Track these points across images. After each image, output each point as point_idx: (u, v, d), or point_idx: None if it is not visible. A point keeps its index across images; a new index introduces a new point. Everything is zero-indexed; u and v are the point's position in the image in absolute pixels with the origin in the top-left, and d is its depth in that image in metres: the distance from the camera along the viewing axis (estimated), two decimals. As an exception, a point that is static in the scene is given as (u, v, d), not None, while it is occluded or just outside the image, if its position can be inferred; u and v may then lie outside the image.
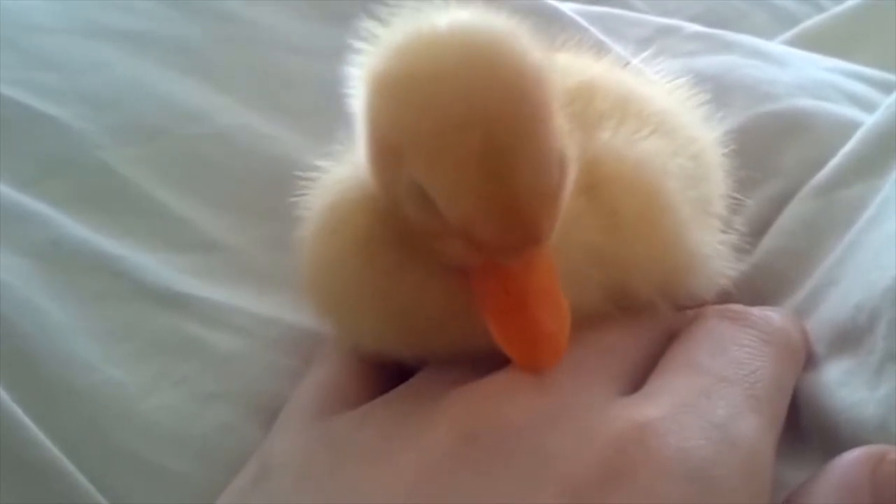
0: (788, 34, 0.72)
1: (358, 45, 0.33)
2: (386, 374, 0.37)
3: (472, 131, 0.29)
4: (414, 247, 0.33)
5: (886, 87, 0.57)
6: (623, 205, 0.34)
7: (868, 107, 0.54)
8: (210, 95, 0.50)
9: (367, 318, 0.36)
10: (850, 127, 0.49)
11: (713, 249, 0.37)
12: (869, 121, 0.48)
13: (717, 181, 0.41)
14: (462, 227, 0.30)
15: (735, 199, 0.42)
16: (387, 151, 0.32)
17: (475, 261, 0.31)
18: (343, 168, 0.37)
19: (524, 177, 0.29)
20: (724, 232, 0.39)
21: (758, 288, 0.45)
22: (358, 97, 0.33)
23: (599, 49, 0.43)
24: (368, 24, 0.33)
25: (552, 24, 0.43)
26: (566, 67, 0.38)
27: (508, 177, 0.29)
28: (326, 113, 0.38)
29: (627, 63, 0.45)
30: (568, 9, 0.58)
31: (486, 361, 0.32)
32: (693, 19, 0.66)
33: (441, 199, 0.30)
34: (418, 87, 0.30)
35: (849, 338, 0.38)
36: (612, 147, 0.35)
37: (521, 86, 0.30)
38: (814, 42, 0.68)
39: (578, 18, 0.56)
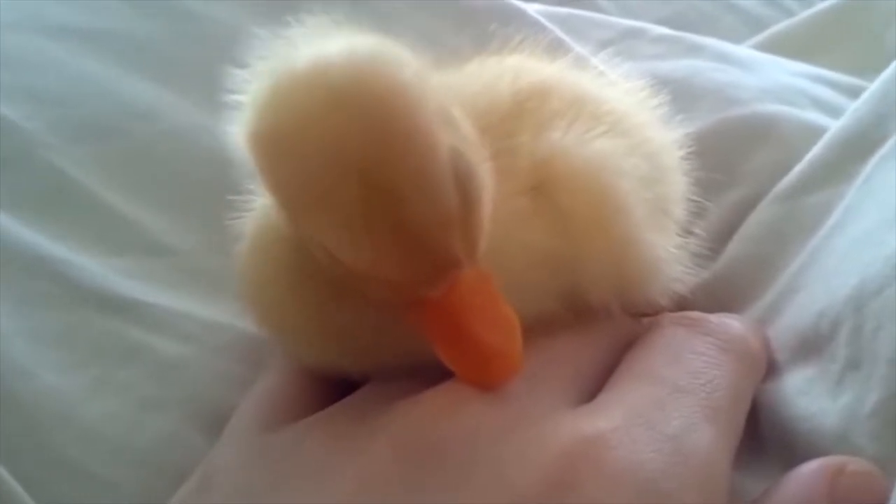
0: (756, 38, 0.72)
1: (232, 98, 0.32)
2: (332, 385, 0.36)
3: (347, 180, 0.27)
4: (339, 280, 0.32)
5: (853, 92, 0.56)
6: (573, 205, 0.33)
7: (834, 112, 0.54)
8: (165, 94, 0.49)
9: (302, 340, 0.35)
10: (816, 132, 0.49)
11: (669, 253, 0.36)
12: (834, 126, 0.48)
13: (675, 183, 0.40)
14: (370, 273, 0.29)
15: (698, 203, 0.41)
16: (281, 206, 0.31)
17: (399, 298, 0.30)
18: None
19: (414, 210, 0.28)
20: (684, 237, 0.39)
21: (721, 294, 0.44)
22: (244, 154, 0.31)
23: (560, 50, 0.42)
24: (241, 73, 0.32)
25: (513, 24, 0.42)
26: (518, 68, 0.38)
27: (397, 215, 0.28)
28: None
29: (586, 64, 0.44)
30: (532, 10, 0.57)
31: (431, 372, 0.31)
32: (660, 22, 0.65)
33: (336, 252, 0.29)
34: (286, 146, 0.28)
35: (811, 346, 0.38)
36: (562, 146, 0.34)
37: (389, 119, 0.28)
38: (782, 46, 0.68)
39: (542, 19, 0.56)
